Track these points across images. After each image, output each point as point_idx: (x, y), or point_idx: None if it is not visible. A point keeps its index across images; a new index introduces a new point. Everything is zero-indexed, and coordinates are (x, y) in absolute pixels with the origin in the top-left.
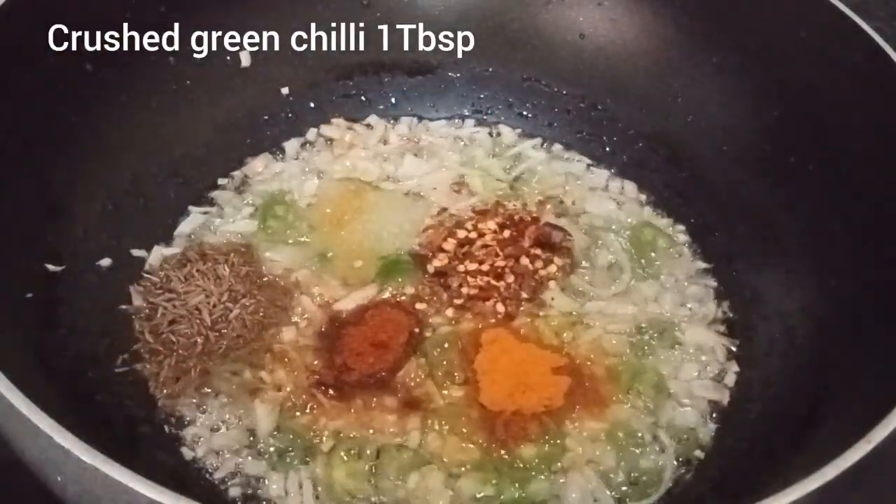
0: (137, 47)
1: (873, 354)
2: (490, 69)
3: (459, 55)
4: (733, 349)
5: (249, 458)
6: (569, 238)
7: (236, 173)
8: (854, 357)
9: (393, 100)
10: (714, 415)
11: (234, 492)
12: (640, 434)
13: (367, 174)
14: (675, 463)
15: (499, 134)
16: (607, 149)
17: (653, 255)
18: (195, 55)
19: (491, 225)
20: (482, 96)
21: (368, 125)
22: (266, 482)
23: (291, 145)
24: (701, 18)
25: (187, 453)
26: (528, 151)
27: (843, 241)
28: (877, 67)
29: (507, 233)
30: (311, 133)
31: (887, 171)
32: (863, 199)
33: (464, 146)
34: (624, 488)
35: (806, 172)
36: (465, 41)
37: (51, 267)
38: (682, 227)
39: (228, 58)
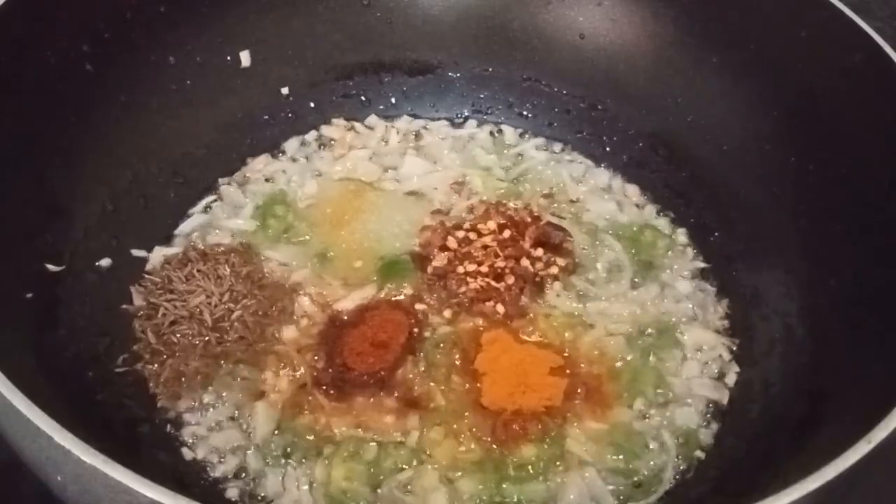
0: (137, 47)
1: (873, 354)
2: (490, 69)
3: (459, 55)
4: (733, 349)
5: (249, 458)
6: (569, 238)
7: (236, 173)
8: (854, 357)
9: (393, 100)
10: (714, 415)
11: (234, 492)
12: (640, 434)
13: (367, 174)
14: (676, 463)
15: (500, 132)
16: (607, 149)
17: (653, 255)
18: (195, 55)
19: (491, 225)
20: (482, 96)
21: (368, 126)
22: (265, 482)
23: (291, 145)
24: (701, 18)
25: (187, 453)
26: (528, 151)
27: (843, 241)
28: (877, 67)
29: (507, 233)
30: (312, 133)
31: (887, 171)
32: (863, 199)
33: (464, 146)
34: (624, 488)
35: (806, 172)
36: (465, 41)
37: (51, 267)
38: (682, 227)
39: (228, 58)
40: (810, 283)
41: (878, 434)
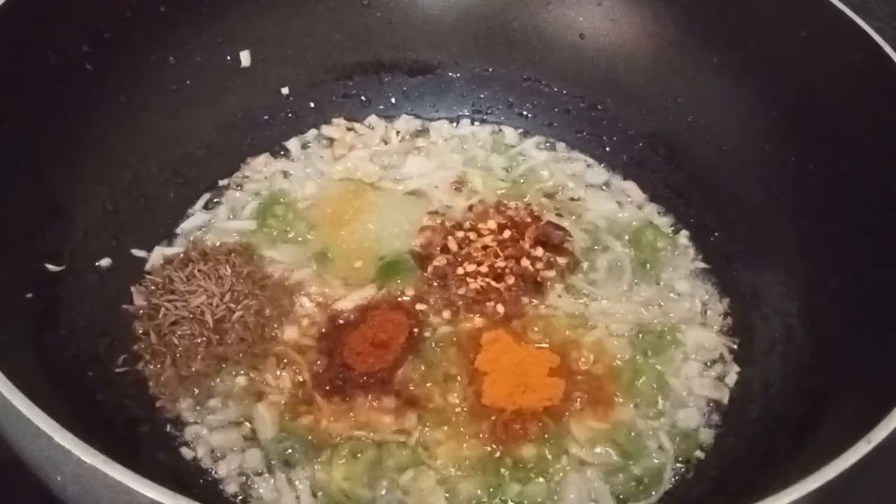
0: (137, 47)
1: (873, 354)
2: (490, 69)
3: (459, 55)
4: (734, 349)
5: (249, 458)
6: (569, 238)
7: (236, 173)
8: (854, 357)
9: (393, 100)
10: (715, 415)
11: (233, 491)
12: (640, 434)
13: (368, 175)
14: (675, 463)
15: (500, 132)
16: (607, 149)
17: (653, 255)
18: (195, 55)
19: (491, 225)
20: (482, 96)
21: (369, 126)
22: (265, 483)
23: (292, 145)
24: (701, 18)
25: (187, 453)
26: (529, 151)
27: (843, 241)
28: (877, 67)
29: (507, 233)
30: (312, 133)
31: (887, 171)
32: (863, 199)
33: (464, 146)
34: (624, 488)
35: (806, 172)
36: (465, 41)
37: (51, 267)
38: (682, 228)
39: (228, 58)
40: (810, 283)
41: (878, 434)
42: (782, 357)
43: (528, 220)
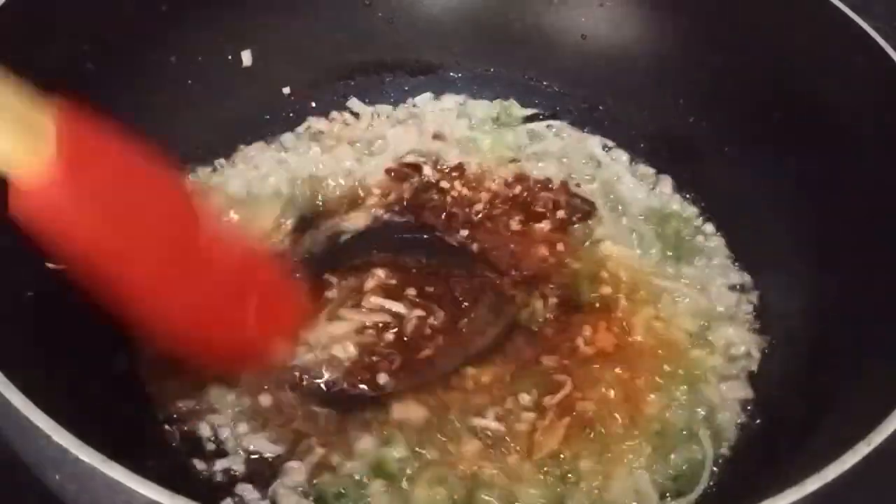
0: (139, 46)
1: (874, 356)
2: (492, 69)
3: (461, 55)
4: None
5: (248, 461)
6: (594, 209)
7: (221, 160)
8: (854, 359)
9: (394, 100)
10: (712, 417)
11: (231, 493)
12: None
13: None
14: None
15: (509, 102)
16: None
17: (681, 245)
18: (196, 55)
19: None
20: (483, 96)
21: (356, 113)
22: (264, 485)
23: (285, 138)
24: (701, 19)
25: (186, 453)
26: (542, 130)
27: (844, 242)
28: (877, 67)
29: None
30: (302, 127)
31: (888, 171)
32: (864, 200)
33: (468, 115)
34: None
35: (807, 173)
36: (467, 41)
37: (52, 265)
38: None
39: (230, 57)
40: (811, 283)
41: (878, 436)
42: (783, 358)
43: (545, 188)
